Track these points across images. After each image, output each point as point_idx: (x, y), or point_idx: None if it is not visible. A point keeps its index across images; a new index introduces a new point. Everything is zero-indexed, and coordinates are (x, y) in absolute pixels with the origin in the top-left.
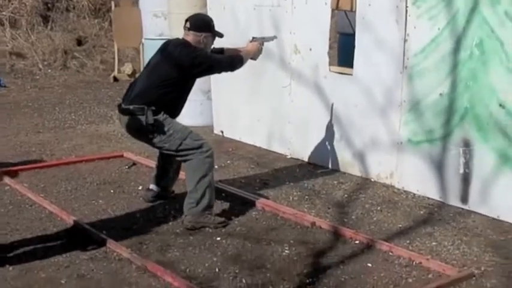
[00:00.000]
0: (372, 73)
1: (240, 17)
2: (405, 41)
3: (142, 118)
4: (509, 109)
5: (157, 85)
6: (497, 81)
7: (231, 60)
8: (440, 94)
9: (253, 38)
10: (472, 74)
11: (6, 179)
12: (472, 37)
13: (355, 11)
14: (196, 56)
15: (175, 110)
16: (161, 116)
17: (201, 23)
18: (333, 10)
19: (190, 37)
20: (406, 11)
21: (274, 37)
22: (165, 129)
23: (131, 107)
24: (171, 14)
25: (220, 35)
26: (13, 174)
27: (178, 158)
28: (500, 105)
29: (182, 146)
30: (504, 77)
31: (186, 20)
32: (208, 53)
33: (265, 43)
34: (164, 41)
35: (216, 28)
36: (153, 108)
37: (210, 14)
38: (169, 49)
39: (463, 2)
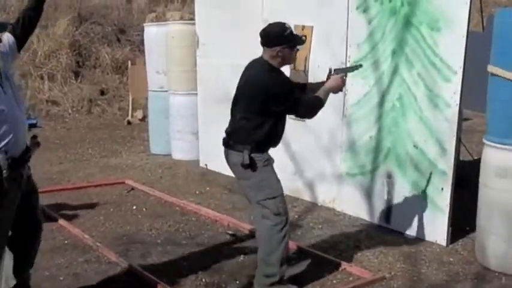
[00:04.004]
0: (320, 120)
1: (221, 74)
2: (345, 95)
3: (240, 156)
4: (421, 149)
5: (249, 120)
6: (412, 128)
7: (311, 107)
8: (370, 137)
9: (335, 70)
10: (394, 122)
11: None
12: (394, 93)
13: (307, 71)
14: (274, 96)
15: (272, 142)
16: (260, 158)
17: (271, 37)
18: (291, 70)
19: (267, 54)
20: None
21: (360, 66)
22: (259, 177)
23: (231, 142)
24: (169, 71)
25: (300, 42)
26: None
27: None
28: (414, 146)
29: (265, 202)
30: (417, 125)
31: (260, 34)
32: (290, 95)
33: (349, 73)
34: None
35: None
36: (251, 145)
37: (199, 72)
38: (252, 84)
39: (387, 66)
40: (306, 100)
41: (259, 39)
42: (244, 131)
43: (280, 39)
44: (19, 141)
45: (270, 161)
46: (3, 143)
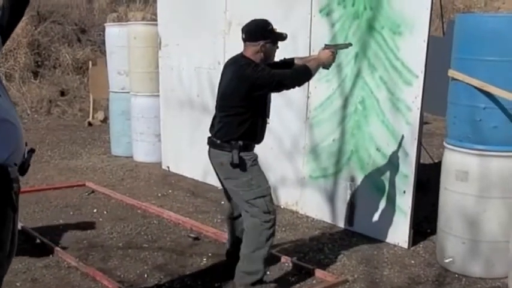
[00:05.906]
0: (283, 123)
1: (183, 76)
2: (308, 97)
3: (229, 156)
4: (384, 152)
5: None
6: (375, 131)
7: (296, 75)
8: (333, 140)
9: (326, 45)
10: (356, 125)
11: None
12: (357, 96)
13: None
14: (256, 81)
15: (257, 137)
16: (249, 157)
17: (256, 31)
18: None
19: (249, 49)
20: None
21: (349, 44)
22: (249, 176)
23: (218, 141)
24: (131, 72)
25: (282, 38)
26: None
27: (243, 210)
28: (377, 149)
29: (254, 201)
30: (380, 128)
31: (242, 30)
32: (269, 74)
33: (339, 51)
34: None
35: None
36: (240, 144)
37: (161, 73)
38: (231, 79)
39: (350, 69)
40: (289, 71)
41: (242, 35)
42: (230, 128)
43: (265, 33)
44: (22, 149)
45: (257, 160)
46: (11, 154)
